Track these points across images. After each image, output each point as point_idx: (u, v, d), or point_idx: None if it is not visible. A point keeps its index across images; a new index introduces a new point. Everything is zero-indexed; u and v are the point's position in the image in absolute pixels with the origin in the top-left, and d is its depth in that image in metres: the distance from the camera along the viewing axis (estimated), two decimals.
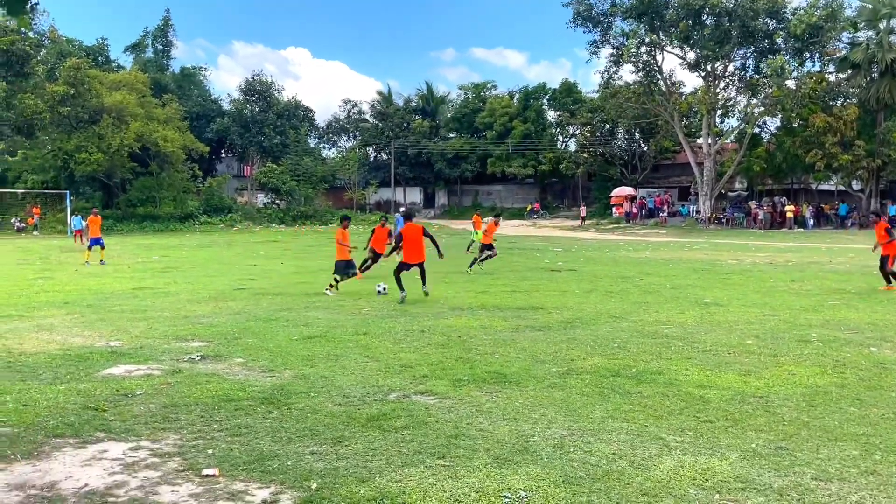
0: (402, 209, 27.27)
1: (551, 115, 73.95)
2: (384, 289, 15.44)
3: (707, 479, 4.85)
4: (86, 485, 4.81)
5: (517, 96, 74.47)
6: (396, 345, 9.62)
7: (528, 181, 74.09)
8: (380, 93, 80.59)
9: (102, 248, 24.54)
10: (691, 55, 52.72)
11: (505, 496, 4.54)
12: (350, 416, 6.32)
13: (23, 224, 49.44)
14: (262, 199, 66.37)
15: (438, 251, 15.56)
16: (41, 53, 51.41)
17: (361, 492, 4.60)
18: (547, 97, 74.29)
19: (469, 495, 4.56)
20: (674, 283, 17.54)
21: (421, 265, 14.58)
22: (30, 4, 4.78)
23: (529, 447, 5.47)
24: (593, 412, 6.43)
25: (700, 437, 5.78)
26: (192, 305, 13.83)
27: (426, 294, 14.44)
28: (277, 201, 64.14)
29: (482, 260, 21.37)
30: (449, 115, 78.78)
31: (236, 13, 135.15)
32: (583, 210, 63.27)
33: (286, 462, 5.17)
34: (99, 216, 25.97)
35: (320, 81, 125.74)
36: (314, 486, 4.71)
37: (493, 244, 21.68)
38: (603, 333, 10.44)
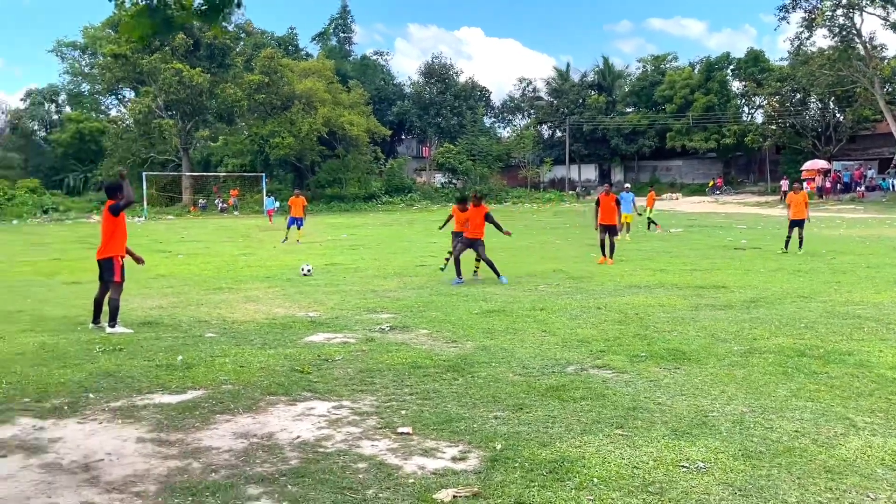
0: (626, 185, 27.25)
1: (736, 85, 70.30)
2: (308, 270, 15.66)
3: None
4: (298, 436, 5.43)
5: (698, 67, 71.42)
6: (573, 320, 9.82)
7: (710, 155, 71.00)
8: (556, 69, 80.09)
9: (299, 228, 26.17)
10: None
11: (683, 466, 4.67)
12: (530, 385, 6.63)
13: (225, 205, 53.69)
14: (439, 178, 68.14)
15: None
16: (239, 46, 55.37)
17: (543, 454, 4.90)
18: (731, 67, 70.73)
19: (647, 463, 4.73)
20: (870, 262, 16.48)
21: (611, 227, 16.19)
22: (223, 14, 5.39)
23: (708, 421, 5.54)
24: (776, 390, 6.36)
25: (891, 419, 5.60)
26: (378, 280, 14.68)
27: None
28: (454, 181, 65.60)
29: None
30: (626, 90, 76.90)
31: None
32: (783, 184, 59.01)
33: (472, 424, 5.56)
34: (301, 197, 26.95)
35: (494, 60, 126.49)
36: (499, 447, 5.06)
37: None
38: (789, 313, 10.11)
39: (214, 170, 58.31)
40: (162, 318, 10.37)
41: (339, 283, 14.48)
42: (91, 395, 6.47)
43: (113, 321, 9.37)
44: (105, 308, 9.59)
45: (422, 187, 64.23)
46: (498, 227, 14.51)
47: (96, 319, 9.65)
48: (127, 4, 5.48)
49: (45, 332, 9.41)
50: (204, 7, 5.27)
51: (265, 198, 46.75)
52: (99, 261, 9.54)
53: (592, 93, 75.53)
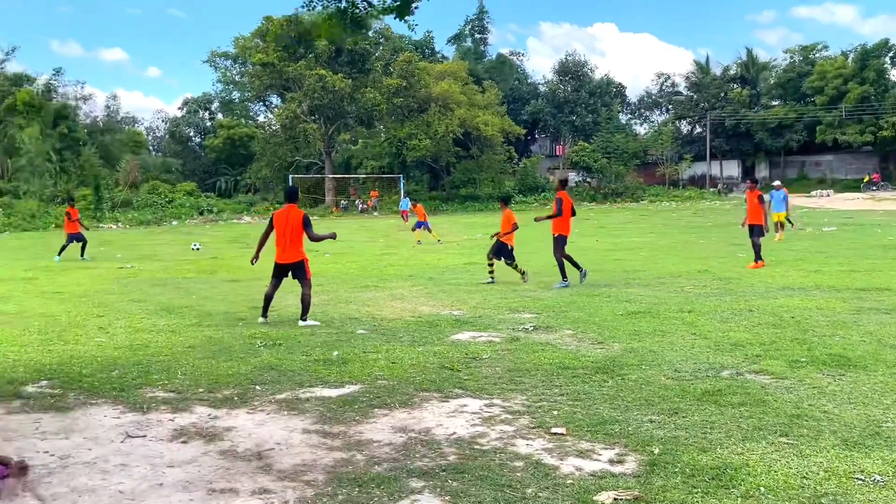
0: (776, 183, 25.52)
1: (895, 74, 65.72)
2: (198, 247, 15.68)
3: None
4: (454, 433, 5.56)
5: (852, 56, 67.27)
6: (724, 323, 9.51)
7: (865, 149, 66.68)
8: (696, 62, 77.51)
9: (429, 230, 26.76)
10: None
11: (858, 478, 4.45)
12: (683, 389, 6.49)
13: (364, 205, 55.31)
14: (573, 177, 67.43)
15: None
16: (378, 51, 56.90)
17: (703, 460, 4.79)
18: (890, 55, 66.14)
19: (817, 474, 4.54)
20: None
21: None
22: (412, 8, 5.61)
23: (882, 432, 5.24)
24: None
25: None
26: (518, 279, 14.71)
27: None
28: (588, 179, 64.75)
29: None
30: (771, 82, 73.42)
31: None
32: None
33: (626, 427, 5.52)
34: (419, 205, 28.68)
35: (628, 56, 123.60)
36: (656, 451, 4.99)
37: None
38: None
39: (354, 172, 60.22)
40: (315, 315, 10.82)
41: (479, 281, 14.62)
42: (258, 388, 6.87)
43: (304, 315, 10.17)
44: (270, 303, 10.45)
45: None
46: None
47: (265, 314, 10.35)
48: (318, 9, 5.83)
49: (210, 326, 10.05)
50: (396, 3, 5.53)
51: (402, 198, 47.88)
52: (288, 264, 10.19)
53: (735, 86, 72.62)
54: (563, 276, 13.76)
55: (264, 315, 10.35)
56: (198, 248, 20.30)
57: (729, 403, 6.02)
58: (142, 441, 5.50)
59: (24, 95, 54.03)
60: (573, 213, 14.21)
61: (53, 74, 64.52)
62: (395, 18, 5.76)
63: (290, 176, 51.15)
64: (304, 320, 10.13)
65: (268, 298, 10.38)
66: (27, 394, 6.75)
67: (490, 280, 14.50)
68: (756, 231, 16.15)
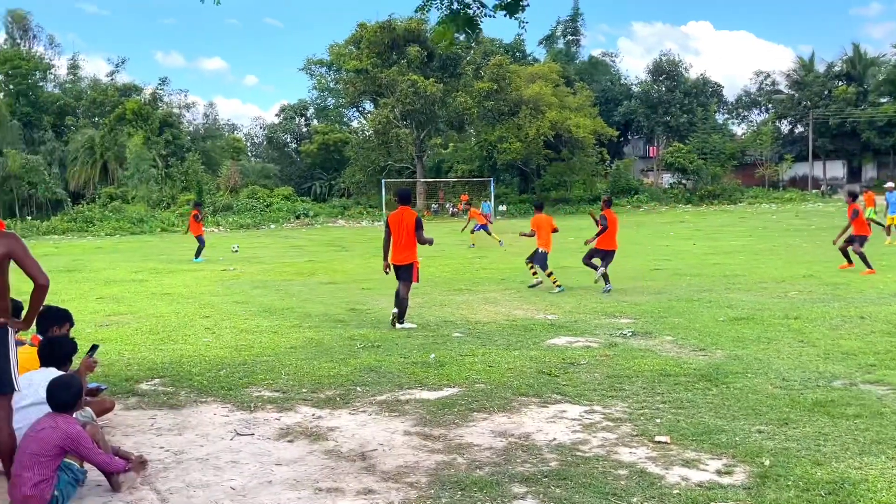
0: (888, 185, 23.56)
1: None
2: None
3: None
4: (554, 439, 5.53)
5: None
6: (834, 331, 9.13)
7: None
8: (799, 59, 74.64)
9: (488, 232, 27.26)
10: None
11: None
12: (793, 399, 6.26)
13: (455, 209, 55.55)
14: (667, 179, 65.92)
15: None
16: (469, 55, 57.08)
17: (818, 474, 4.62)
18: None
19: None
20: None
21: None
22: (523, 5, 5.66)
23: None
24: None
25: None
26: (614, 284, 14.49)
27: None
28: (684, 181, 63.20)
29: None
30: (880, 78, 69.95)
31: None
32: None
33: (734, 437, 5.36)
34: (473, 208, 30.71)
35: (725, 54, 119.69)
36: (767, 462, 4.84)
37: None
38: None
39: (445, 176, 60.56)
40: (411, 318, 10.94)
41: (574, 286, 14.49)
42: (359, 389, 7.00)
43: (402, 318, 10.29)
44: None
45: (649, 188, 62.52)
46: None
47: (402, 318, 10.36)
48: (432, 15, 6.00)
49: (310, 328, 10.30)
50: (507, 1, 5.60)
51: (482, 203, 47.99)
52: (400, 265, 10.31)
53: (840, 83, 69.48)
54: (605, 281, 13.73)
55: (401, 320, 10.36)
56: (236, 251, 20.81)
57: (843, 415, 5.78)
58: (250, 439, 5.69)
59: (132, 105, 56.72)
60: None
61: (159, 84, 67.59)
62: (505, 16, 5.81)
63: (383, 180, 51.85)
64: (401, 322, 10.24)
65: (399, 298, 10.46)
66: (142, 391, 7.07)
67: (558, 288, 13.94)
68: (858, 240, 15.44)
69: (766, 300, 11.83)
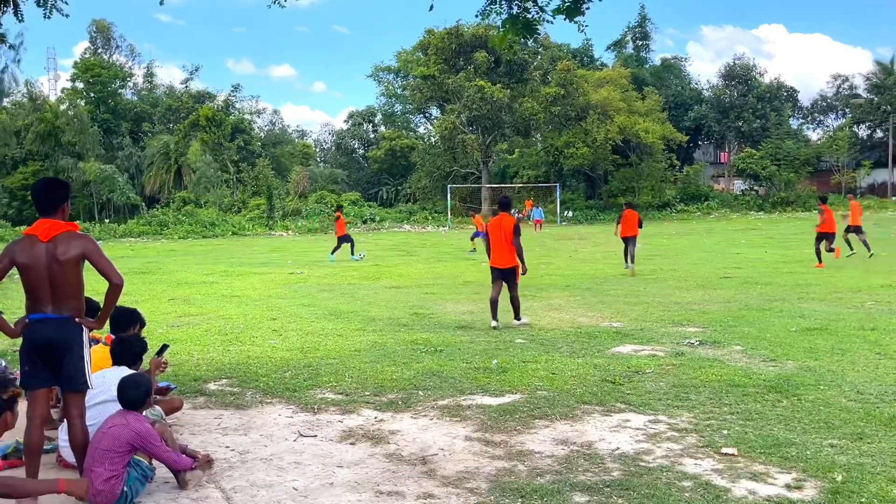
0: None
1: None
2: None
3: None
4: (617, 448, 5.44)
5: None
6: None
7: None
8: (878, 62, 72.08)
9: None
10: None
11: None
12: (868, 413, 6.04)
13: (520, 214, 55.40)
14: (739, 185, 64.38)
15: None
16: (536, 60, 56.91)
17: (894, 492, 4.43)
18: None
19: None
20: None
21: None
22: (584, 7, 5.62)
23: None
24: None
25: None
26: (680, 292, 14.25)
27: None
28: (756, 187, 61.66)
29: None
30: None
31: None
32: None
33: (804, 451, 5.19)
34: (477, 216, 31.06)
35: (799, 57, 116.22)
36: (839, 478, 4.67)
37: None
38: None
39: (510, 181, 60.40)
40: (474, 323, 10.96)
41: (640, 293, 14.27)
42: (420, 393, 7.02)
43: (517, 315, 10.81)
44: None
45: (720, 194, 61.21)
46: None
47: (496, 316, 10.71)
48: (494, 19, 6.01)
49: (374, 331, 10.38)
50: (568, 4, 5.58)
51: (533, 208, 47.75)
52: (503, 268, 10.72)
53: None
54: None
55: (494, 318, 10.68)
56: (363, 257, 21.82)
57: None
58: (313, 441, 5.76)
59: (206, 111, 58.30)
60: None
61: (232, 91, 69.34)
62: (564, 19, 5.77)
63: (448, 186, 52.06)
64: (518, 319, 10.77)
65: (493, 303, 10.75)
66: (210, 391, 7.24)
67: None
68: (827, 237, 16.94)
69: (841, 310, 11.44)
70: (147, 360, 5.86)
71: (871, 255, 19.63)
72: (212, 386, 7.43)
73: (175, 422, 6.03)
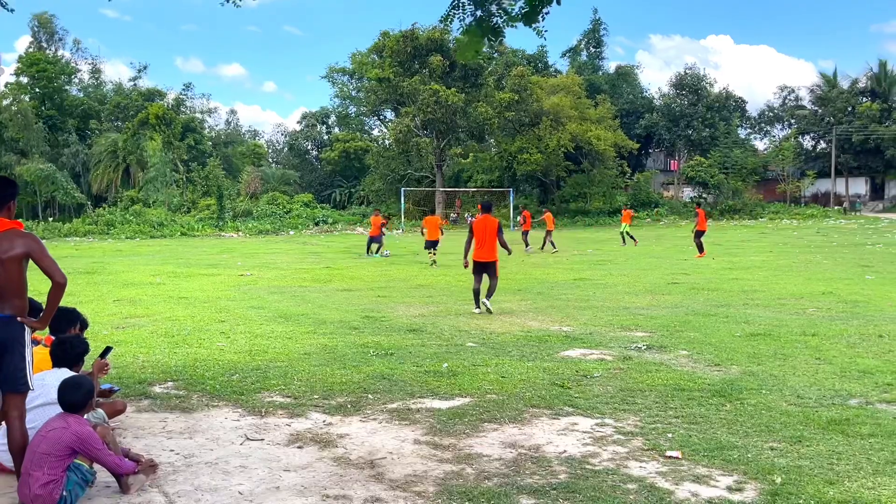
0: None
1: None
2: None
3: None
4: (564, 451, 5.49)
5: None
6: (851, 349, 9.03)
7: None
8: (822, 75, 74.17)
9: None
10: None
11: None
12: (807, 416, 6.20)
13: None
14: (688, 193, 65.60)
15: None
16: (491, 65, 57.20)
17: (830, 493, 4.56)
18: None
19: None
20: None
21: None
22: (541, 14, 5.66)
23: None
24: None
25: None
26: (629, 297, 14.44)
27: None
28: (704, 195, 62.88)
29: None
30: None
31: (654, 7, 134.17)
32: None
33: (746, 454, 5.31)
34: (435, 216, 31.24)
35: (745, 68, 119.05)
36: (778, 480, 4.78)
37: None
38: None
39: (464, 185, 60.60)
40: (425, 326, 10.95)
41: (589, 298, 14.43)
42: (370, 396, 7.00)
43: (490, 296, 12.31)
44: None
45: (669, 202, 62.28)
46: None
47: (478, 304, 12.31)
48: (455, 26, 5.99)
49: (324, 334, 10.31)
50: (525, 10, 5.60)
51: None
52: (485, 262, 12.39)
53: (864, 100, 68.93)
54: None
55: (477, 305, 12.31)
56: (434, 257, 23.12)
57: (857, 434, 5.70)
58: (260, 444, 5.70)
59: (155, 109, 57.23)
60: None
61: (183, 89, 68.30)
62: (524, 25, 5.81)
63: (402, 189, 51.98)
64: (487, 300, 12.21)
65: (476, 292, 12.37)
66: (155, 394, 7.11)
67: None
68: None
69: (784, 316, 11.72)
70: (90, 361, 5.73)
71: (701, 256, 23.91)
72: (157, 389, 7.30)
73: (118, 425, 5.91)
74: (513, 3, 5.82)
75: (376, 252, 26.62)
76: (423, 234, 24.69)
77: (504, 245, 12.63)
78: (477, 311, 12.21)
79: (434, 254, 23.22)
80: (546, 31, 6.11)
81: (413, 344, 9.56)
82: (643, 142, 68.04)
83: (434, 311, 12.68)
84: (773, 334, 10.04)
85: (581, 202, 56.51)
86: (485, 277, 12.49)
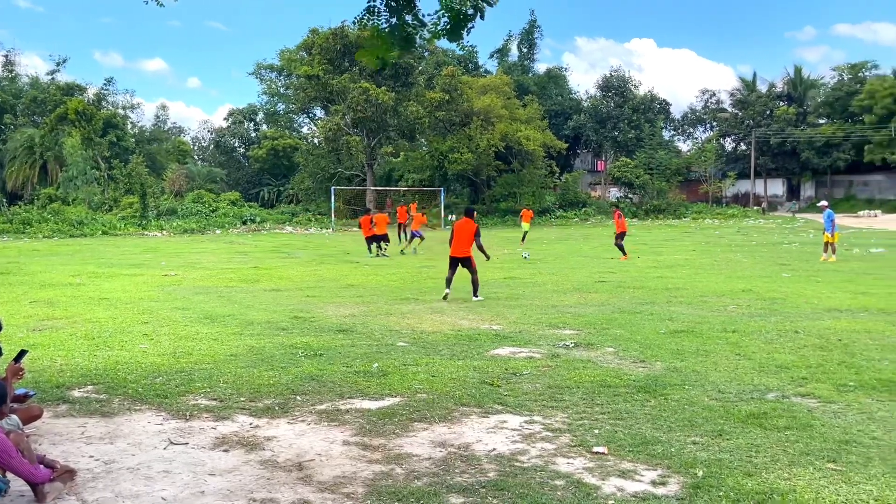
0: (822, 203, 25.34)
1: None
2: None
3: None
4: (494, 449, 5.53)
5: None
6: (769, 344, 9.34)
7: None
8: (742, 79, 76.67)
9: (422, 239, 29.14)
10: None
11: None
12: (727, 411, 6.38)
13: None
14: (615, 193, 66.95)
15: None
16: (422, 65, 57.23)
17: (749, 485, 4.70)
18: None
19: (867, 502, 4.43)
20: None
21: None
22: (466, 29, 5.65)
23: None
24: None
25: None
26: (558, 296, 14.65)
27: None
28: (630, 195, 64.29)
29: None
30: (819, 100, 72.26)
31: (579, 9, 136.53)
32: None
33: (669, 448, 5.44)
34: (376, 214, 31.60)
35: (668, 71, 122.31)
36: (700, 473, 4.91)
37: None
38: None
39: (395, 184, 60.49)
40: (355, 326, 10.88)
41: (519, 296, 14.58)
42: (298, 398, 6.91)
43: (476, 293, 14.10)
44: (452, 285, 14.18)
45: (597, 201, 63.45)
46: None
47: (449, 286, 14.15)
48: (369, 26, 5.89)
49: (251, 335, 10.14)
50: (449, 26, 5.57)
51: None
52: (460, 257, 14.12)
53: (781, 103, 71.59)
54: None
55: (448, 287, 14.14)
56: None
57: (774, 427, 5.90)
58: (184, 448, 5.57)
59: (75, 104, 55.30)
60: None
61: (105, 84, 66.23)
62: (448, 41, 5.80)
63: (332, 187, 51.55)
64: (476, 296, 13.95)
65: (448, 280, 14.20)
66: (73, 398, 6.87)
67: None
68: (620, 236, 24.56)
69: (706, 314, 12.05)
70: (3, 365, 5.50)
71: (625, 259, 23.89)
72: (76, 393, 7.06)
73: (34, 431, 5.70)
74: (431, 15, 5.79)
75: (412, 248, 28.20)
76: (372, 227, 26.55)
77: (481, 249, 14.37)
78: (447, 292, 14.07)
79: (383, 248, 26.58)
80: (471, 46, 6.15)
81: (343, 344, 9.49)
82: (571, 142, 69.17)
83: (364, 310, 12.61)
84: (695, 331, 10.31)
85: (511, 201, 57.01)
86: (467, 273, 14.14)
